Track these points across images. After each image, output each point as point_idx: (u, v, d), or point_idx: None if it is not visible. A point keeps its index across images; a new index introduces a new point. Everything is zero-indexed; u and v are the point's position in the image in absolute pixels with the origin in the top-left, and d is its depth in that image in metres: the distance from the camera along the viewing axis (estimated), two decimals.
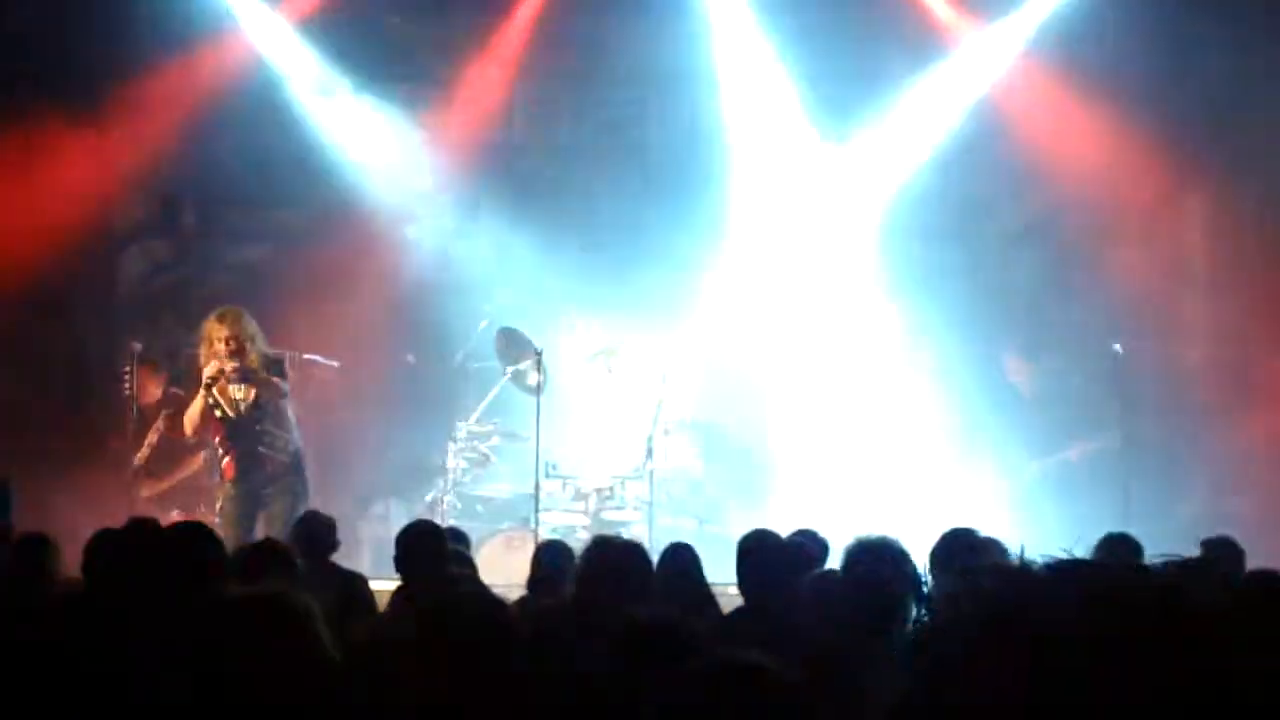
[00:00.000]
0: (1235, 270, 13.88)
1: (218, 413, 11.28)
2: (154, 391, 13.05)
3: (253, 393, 11.25)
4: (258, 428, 11.32)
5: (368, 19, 14.31)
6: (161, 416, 12.85)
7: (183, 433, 12.00)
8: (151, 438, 12.86)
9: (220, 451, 11.41)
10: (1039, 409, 13.29)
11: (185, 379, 12.50)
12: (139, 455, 12.80)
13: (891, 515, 10.56)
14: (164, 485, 12.83)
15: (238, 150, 14.26)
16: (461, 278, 14.13)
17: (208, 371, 11.19)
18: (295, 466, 11.44)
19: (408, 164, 14.54)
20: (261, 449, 11.31)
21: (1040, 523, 11.81)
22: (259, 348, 11.33)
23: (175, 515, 12.24)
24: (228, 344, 11.15)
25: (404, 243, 14.26)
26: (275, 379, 11.31)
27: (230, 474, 11.30)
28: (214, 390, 11.23)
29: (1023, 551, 2.27)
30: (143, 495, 12.52)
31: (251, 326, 11.32)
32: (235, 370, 11.16)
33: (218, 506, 11.41)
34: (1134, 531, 7.65)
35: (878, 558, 5.60)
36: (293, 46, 14.35)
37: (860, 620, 5.50)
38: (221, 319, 11.27)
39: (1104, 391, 13.31)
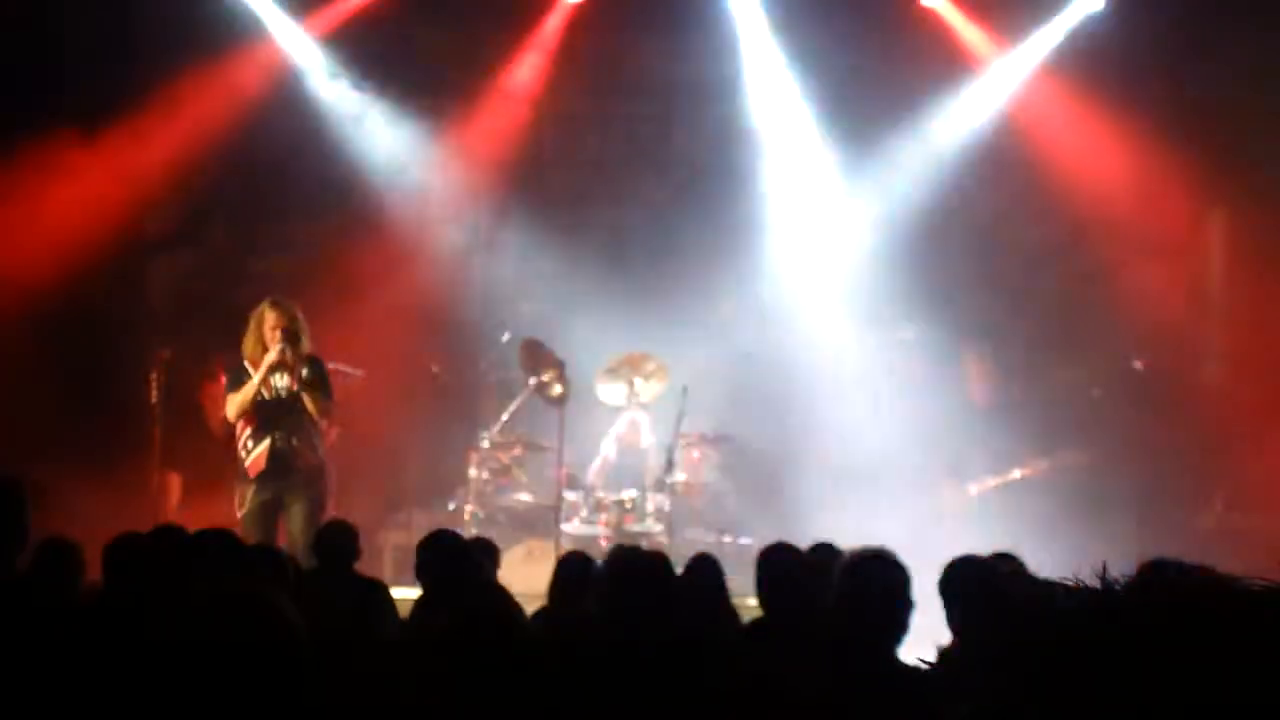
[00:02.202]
0: (1257, 287, 13.88)
1: (258, 400, 10.98)
2: (223, 404, 13.06)
3: (296, 385, 10.95)
4: (296, 418, 11.01)
5: (395, 31, 14.38)
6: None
7: (221, 419, 12.03)
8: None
9: (250, 444, 11.02)
10: (996, 416, 13.17)
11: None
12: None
13: (911, 530, 10.58)
14: None
15: (265, 162, 14.36)
16: (486, 289, 14.20)
17: (271, 356, 10.89)
18: (321, 471, 11.17)
19: (433, 176, 14.62)
20: (296, 442, 10.98)
21: (1057, 540, 11.79)
22: (305, 345, 11.13)
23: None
24: (284, 332, 10.93)
25: (429, 254, 14.32)
26: (322, 394, 11.05)
27: (257, 469, 10.94)
28: (250, 375, 10.95)
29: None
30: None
31: (302, 319, 11.21)
32: (291, 355, 10.89)
33: (239, 512, 11.02)
34: (1148, 547, 7.67)
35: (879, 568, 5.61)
36: (320, 58, 14.45)
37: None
38: (276, 305, 11.02)
39: (1119, 405, 13.33)
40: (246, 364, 11.05)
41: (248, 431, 11.07)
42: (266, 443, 10.96)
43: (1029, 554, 6.95)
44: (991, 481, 13.02)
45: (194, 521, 11.64)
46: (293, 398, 10.98)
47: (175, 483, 12.88)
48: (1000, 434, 13.15)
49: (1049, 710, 2.45)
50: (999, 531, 11.78)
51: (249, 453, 11.02)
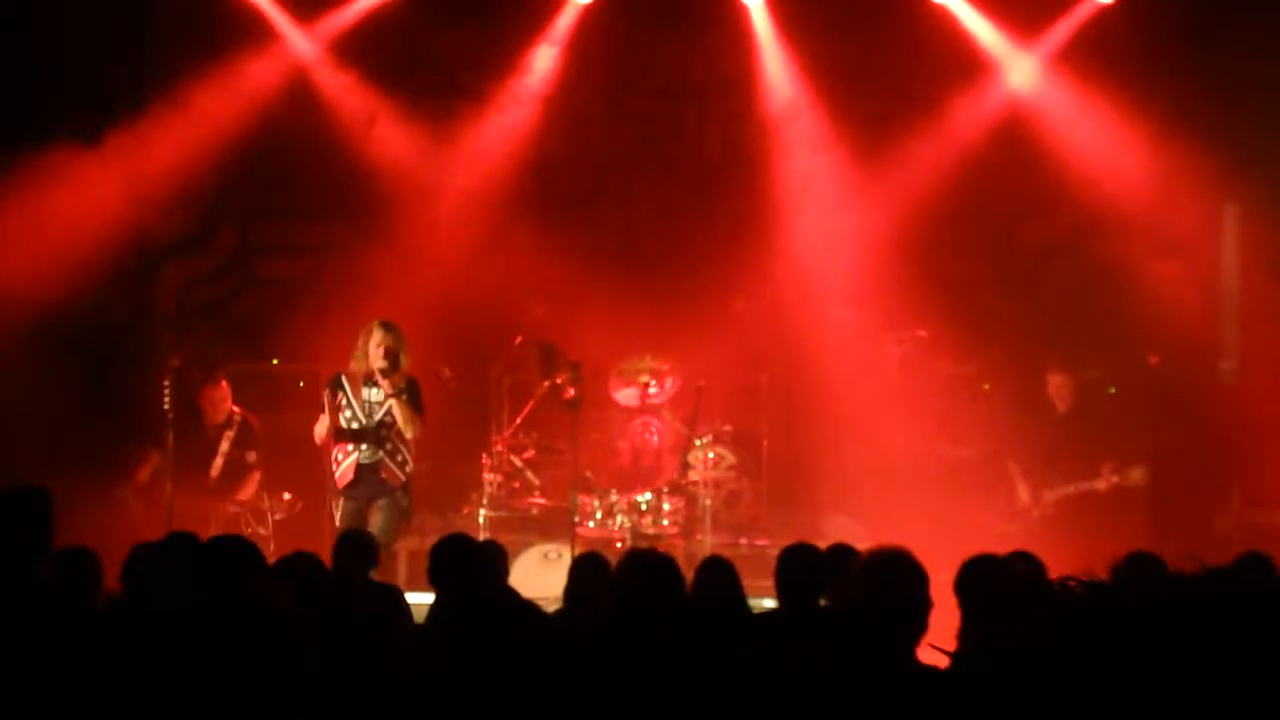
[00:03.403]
0: (1271, 282, 13.84)
1: (346, 414, 11.37)
2: (225, 409, 13.12)
3: (388, 401, 11.34)
4: (384, 432, 11.42)
5: (405, 32, 14.37)
6: (225, 437, 13.01)
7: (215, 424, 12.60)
8: (224, 446, 13.02)
9: (340, 457, 11.41)
10: (1073, 425, 13.12)
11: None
12: (214, 467, 12.97)
13: (921, 530, 10.57)
14: (228, 504, 12.95)
15: (274, 165, 14.36)
16: (497, 292, 14.16)
17: (388, 387, 11.32)
18: (406, 487, 11.56)
19: (443, 177, 14.59)
20: (383, 455, 11.40)
21: (1071, 536, 11.76)
22: (405, 365, 11.47)
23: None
24: (387, 354, 11.30)
25: (440, 257, 14.27)
26: (414, 409, 11.41)
27: (345, 481, 11.35)
28: (344, 389, 11.37)
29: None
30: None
31: (405, 341, 11.47)
32: (382, 375, 11.30)
33: (337, 519, 11.39)
34: (1166, 545, 7.65)
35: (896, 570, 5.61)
36: (329, 60, 14.43)
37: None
38: (386, 327, 11.43)
39: (1137, 406, 13.27)
40: (344, 378, 11.50)
41: (336, 448, 11.46)
42: (354, 457, 11.39)
43: (1043, 551, 6.94)
44: (1025, 488, 12.98)
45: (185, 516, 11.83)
46: (384, 412, 11.34)
47: (152, 459, 12.92)
48: (1055, 445, 13.08)
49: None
50: (1016, 533, 11.79)
51: (338, 465, 11.45)
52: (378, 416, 11.40)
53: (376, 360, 11.29)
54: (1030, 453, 13.04)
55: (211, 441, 13.08)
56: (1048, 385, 13.20)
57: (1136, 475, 12.62)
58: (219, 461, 13.05)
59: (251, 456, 13.12)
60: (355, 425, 11.40)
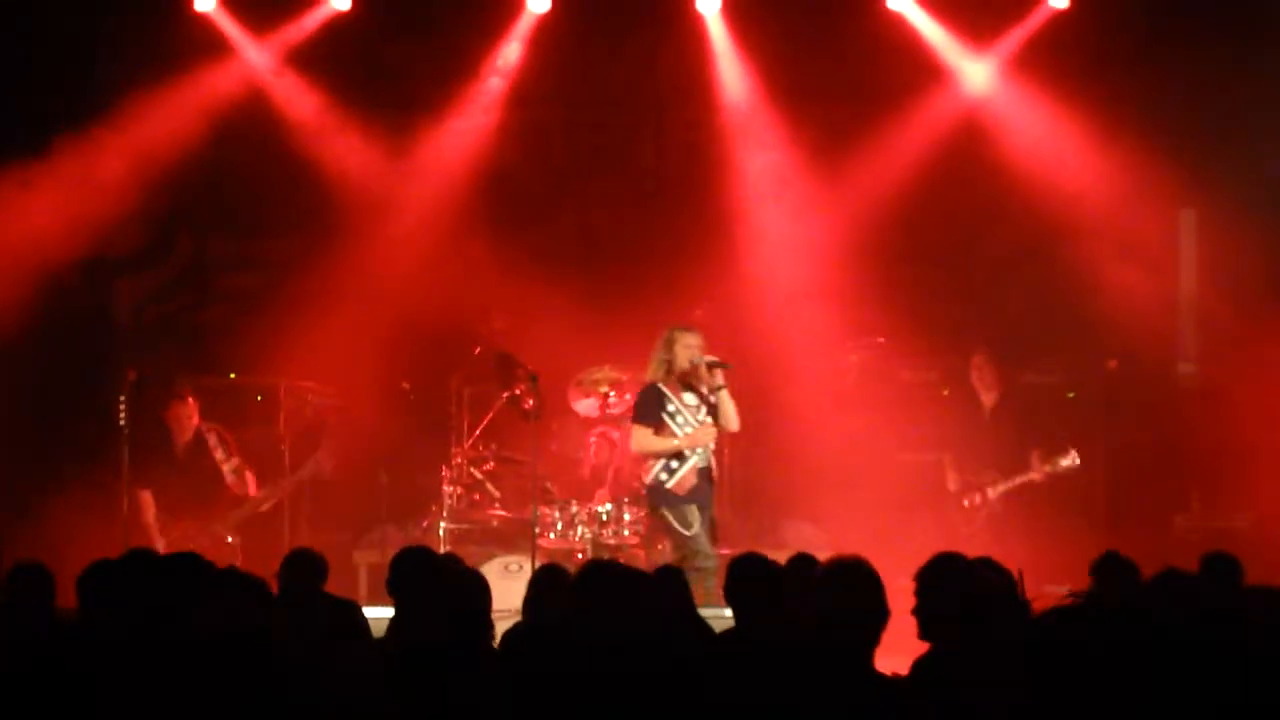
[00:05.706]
0: (1228, 286, 13.89)
1: (679, 419, 11.33)
2: (192, 425, 12.99)
3: (702, 402, 11.38)
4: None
5: (360, 45, 14.34)
6: (213, 447, 12.89)
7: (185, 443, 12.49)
8: (218, 455, 12.90)
9: (674, 464, 11.38)
10: (998, 417, 13.07)
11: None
12: (225, 475, 12.85)
13: (883, 537, 10.57)
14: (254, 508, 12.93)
15: (232, 178, 14.31)
16: (455, 303, 14.11)
17: (718, 380, 11.35)
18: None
19: (401, 189, 14.54)
20: (710, 455, 11.46)
21: (1031, 538, 11.76)
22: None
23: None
24: (705, 355, 11.34)
25: (398, 269, 14.23)
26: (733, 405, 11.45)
27: (687, 486, 11.31)
28: (669, 397, 11.36)
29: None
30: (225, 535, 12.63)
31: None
32: (710, 371, 11.34)
33: (688, 531, 11.23)
34: (1127, 547, 7.63)
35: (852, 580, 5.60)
36: (285, 73, 14.38)
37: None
38: (692, 330, 11.49)
39: (1096, 409, 13.31)
40: (662, 387, 11.42)
41: (667, 457, 11.37)
42: (693, 462, 11.33)
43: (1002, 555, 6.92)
44: (974, 490, 12.95)
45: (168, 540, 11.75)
46: (703, 414, 11.36)
47: (148, 500, 12.76)
48: (984, 439, 13.06)
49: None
50: (974, 537, 11.80)
51: (673, 473, 11.35)
52: (700, 418, 11.39)
53: (706, 358, 11.30)
54: (965, 450, 13.00)
55: (182, 460, 12.93)
56: (970, 368, 13.13)
57: (1067, 461, 12.60)
58: (226, 469, 12.94)
59: (235, 461, 13.03)
60: (689, 430, 11.35)
